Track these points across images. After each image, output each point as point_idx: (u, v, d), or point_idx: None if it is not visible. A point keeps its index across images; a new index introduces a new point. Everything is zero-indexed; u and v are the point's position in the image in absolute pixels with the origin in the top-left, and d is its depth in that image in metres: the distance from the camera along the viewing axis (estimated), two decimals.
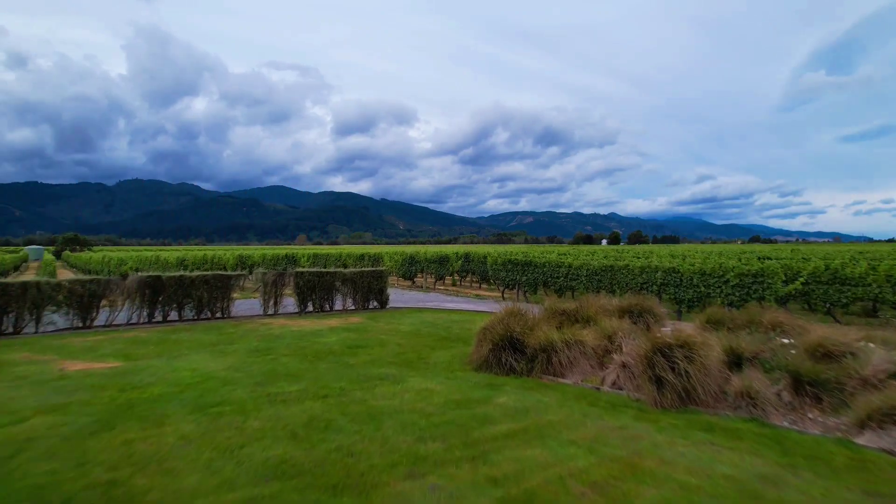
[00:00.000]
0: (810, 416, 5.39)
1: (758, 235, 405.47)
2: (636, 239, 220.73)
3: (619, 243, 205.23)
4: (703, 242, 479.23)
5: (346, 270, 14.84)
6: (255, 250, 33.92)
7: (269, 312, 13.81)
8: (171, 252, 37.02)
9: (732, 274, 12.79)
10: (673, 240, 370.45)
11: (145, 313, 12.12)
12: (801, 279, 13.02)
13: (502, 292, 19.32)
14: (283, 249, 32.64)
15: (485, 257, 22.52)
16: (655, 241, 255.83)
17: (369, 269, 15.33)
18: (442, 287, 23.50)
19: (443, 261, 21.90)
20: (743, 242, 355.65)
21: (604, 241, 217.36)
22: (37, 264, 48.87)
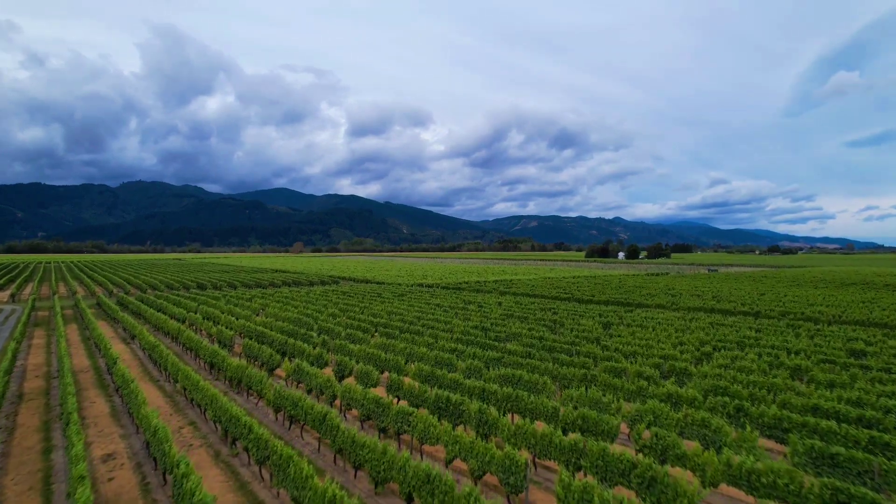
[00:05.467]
0: None
1: (777, 245, 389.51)
2: (656, 252, 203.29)
3: (637, 257, 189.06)
4: (715, 251, 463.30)
5: None
6: None
7: None
8: None
9: None
10: (685, 249, 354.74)
11: None
12: None
13: None
14: None
15: None
16: (667, 248, 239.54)
17: None
18: None
19: None
20: (761, 252, 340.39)
21: (620, 255, 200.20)
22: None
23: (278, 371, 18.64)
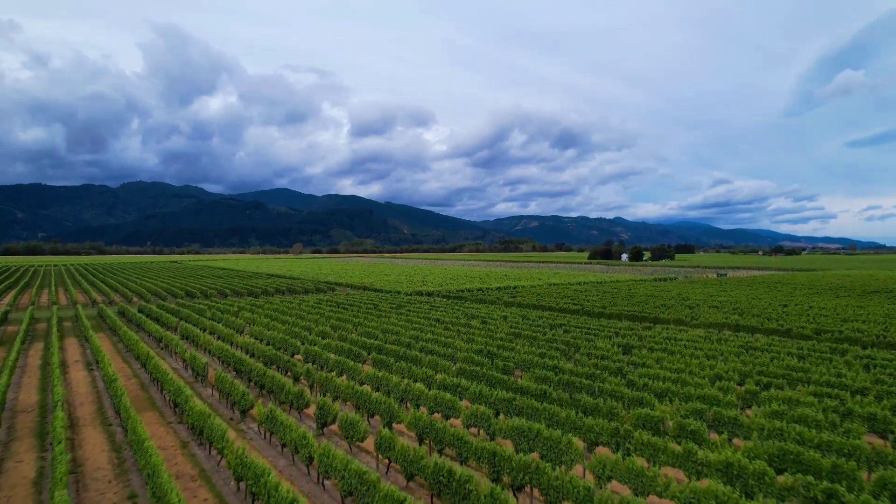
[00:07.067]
0: None
1: (780, 245, 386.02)
2: (660, 253, 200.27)
3: (640, 258, 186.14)
4: (717, 251, 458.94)
5: None
6: None
7: None
8: None
9: None
10: (688, 249, 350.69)
11: None
12: None
13: None
14: None
15: None
16: (670, 249, 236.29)
17: None
18: None
19: None
20: (764, 253, 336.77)
21: (624, 257, 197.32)
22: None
23: (252, 412, 16.10)
